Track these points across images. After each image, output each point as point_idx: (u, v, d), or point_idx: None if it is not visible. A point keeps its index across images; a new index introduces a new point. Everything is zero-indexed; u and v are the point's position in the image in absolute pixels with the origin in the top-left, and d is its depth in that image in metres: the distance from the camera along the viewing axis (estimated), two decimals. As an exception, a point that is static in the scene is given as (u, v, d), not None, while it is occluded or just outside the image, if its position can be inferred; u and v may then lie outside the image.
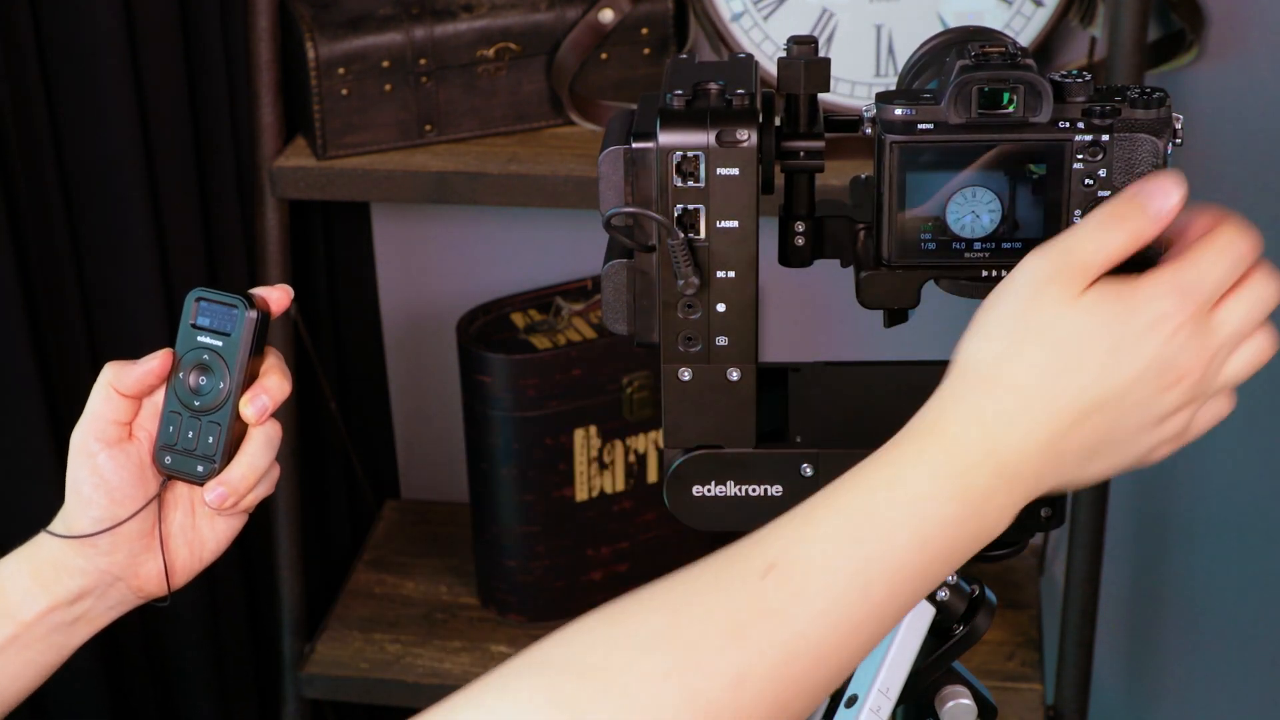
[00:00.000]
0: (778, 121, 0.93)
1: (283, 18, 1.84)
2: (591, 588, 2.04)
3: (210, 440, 1.05)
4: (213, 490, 1.05)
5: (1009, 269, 0.86)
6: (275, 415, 1.06)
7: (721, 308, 0.91)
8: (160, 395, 1.06)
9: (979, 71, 0.86)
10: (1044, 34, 1.84)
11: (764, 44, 1.86)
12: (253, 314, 1.04)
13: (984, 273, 0.90)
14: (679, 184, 0.88)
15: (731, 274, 0.90)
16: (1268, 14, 1.91)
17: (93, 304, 1.79)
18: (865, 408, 0.91)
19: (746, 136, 0.88)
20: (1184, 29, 1.88)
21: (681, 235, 0.88)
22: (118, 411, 1.05)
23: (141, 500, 1.05)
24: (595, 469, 1.99)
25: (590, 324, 2.00)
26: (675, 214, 0.89)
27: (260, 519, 2.03)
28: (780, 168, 0.92)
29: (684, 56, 0.95)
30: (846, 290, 2.28)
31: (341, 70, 1.80)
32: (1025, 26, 1.84)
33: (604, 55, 1.86)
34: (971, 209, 0.89)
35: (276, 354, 1.07)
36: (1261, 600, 2.18)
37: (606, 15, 1.84)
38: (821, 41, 1.85)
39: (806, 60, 0.91)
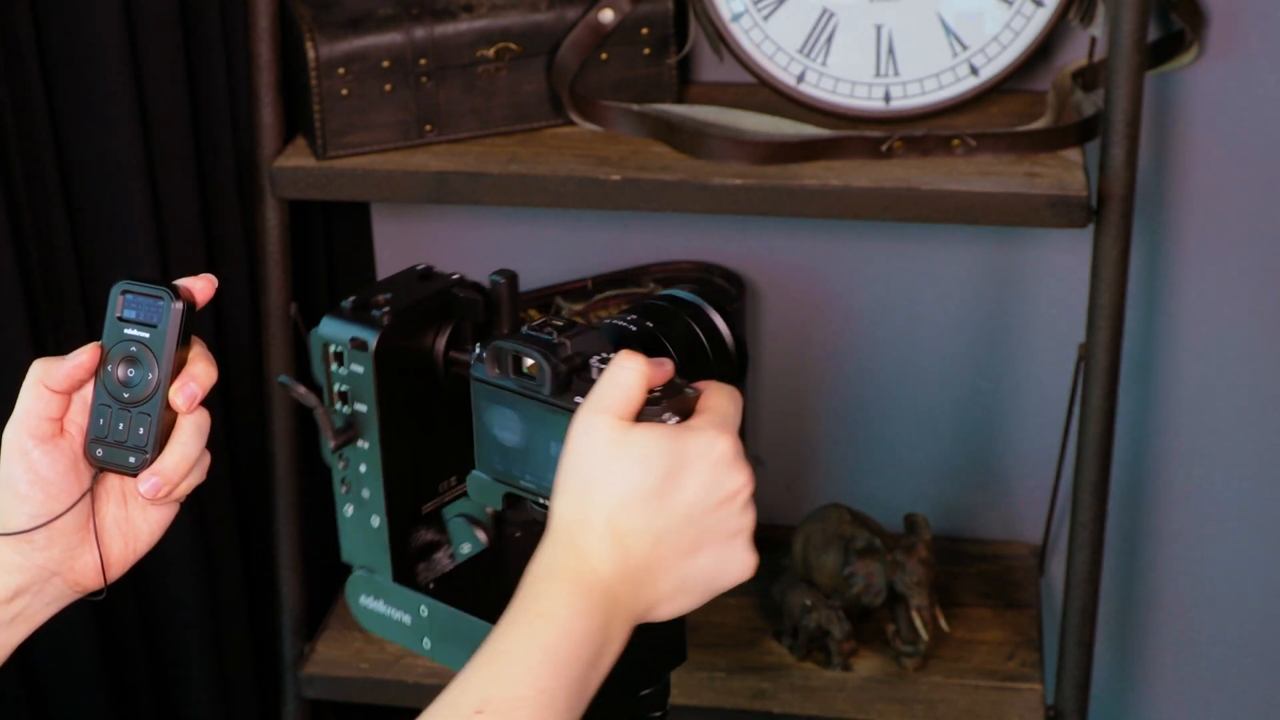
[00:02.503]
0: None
1: (283, 18, 1.84)
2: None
3: (141, 431, 1.06)
4: (146, 480, 1.07)
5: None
6: (205, 403, 1.08)
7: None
8: (89, 389, 1.07)
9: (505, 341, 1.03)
10: (1044, 34, 1.84)
11: (764, 44, 1.86)
12: (178, 305, 1.05)
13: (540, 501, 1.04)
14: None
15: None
16: (1268, 14, 1.91)
17: (93, 304, 1.79)
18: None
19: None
20: (1184, 29, 1.88)
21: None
22: (49, 408, 1.06)
23: (76, 494, 1.07)
24: (595, 469, 1.99)
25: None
26: None
27: (260, 519, 2.03)
28: (447, 370, 1.09)
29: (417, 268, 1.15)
30: (846, 289, 2.27)
31: (341, 70, 1.80)
32: (1025, 26, 1.84)
33: (604, 55, 1.86)
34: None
35: (201, 343, 1.09)
36: (1261, 600, 2.18)
37: (606, 15, 1.84)
38: (821, 41, 1.85)
39: (498, 296, 1.09)
